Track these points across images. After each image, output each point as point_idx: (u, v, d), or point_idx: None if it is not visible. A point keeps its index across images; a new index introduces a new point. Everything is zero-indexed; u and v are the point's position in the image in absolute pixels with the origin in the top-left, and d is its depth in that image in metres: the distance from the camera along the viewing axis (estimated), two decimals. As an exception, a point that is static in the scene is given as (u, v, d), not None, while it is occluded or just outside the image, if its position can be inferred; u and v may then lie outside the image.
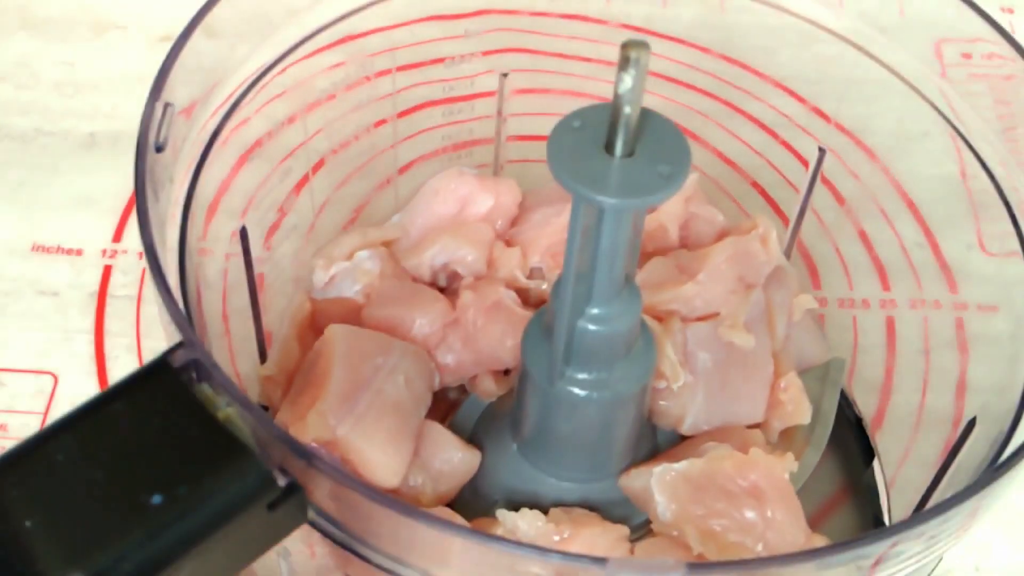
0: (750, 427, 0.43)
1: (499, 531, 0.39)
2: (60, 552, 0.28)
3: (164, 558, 0.29)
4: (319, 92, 0.46)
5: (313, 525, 0.32)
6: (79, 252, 0.56)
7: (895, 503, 0.46)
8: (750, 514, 0.38)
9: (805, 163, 0.50)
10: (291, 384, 0.43)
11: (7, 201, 0.57)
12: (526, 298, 0.45)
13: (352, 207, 0.51)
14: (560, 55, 0.51)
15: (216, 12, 0.39)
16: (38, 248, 0.56)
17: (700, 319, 0.43)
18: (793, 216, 0.51)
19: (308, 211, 0.49)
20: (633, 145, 0.33)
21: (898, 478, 0.46)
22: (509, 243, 0.47)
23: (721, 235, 0.46)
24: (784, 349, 0.45)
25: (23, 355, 0.52)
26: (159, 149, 0.36)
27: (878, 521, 0.46)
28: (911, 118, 0.45)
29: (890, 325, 0.49)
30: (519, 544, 0.33)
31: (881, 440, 0.48)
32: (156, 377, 0.31)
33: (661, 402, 0.42)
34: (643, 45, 0.31)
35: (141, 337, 0.53)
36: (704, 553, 0.38)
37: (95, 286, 0.55)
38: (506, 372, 0.45)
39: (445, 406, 0.45)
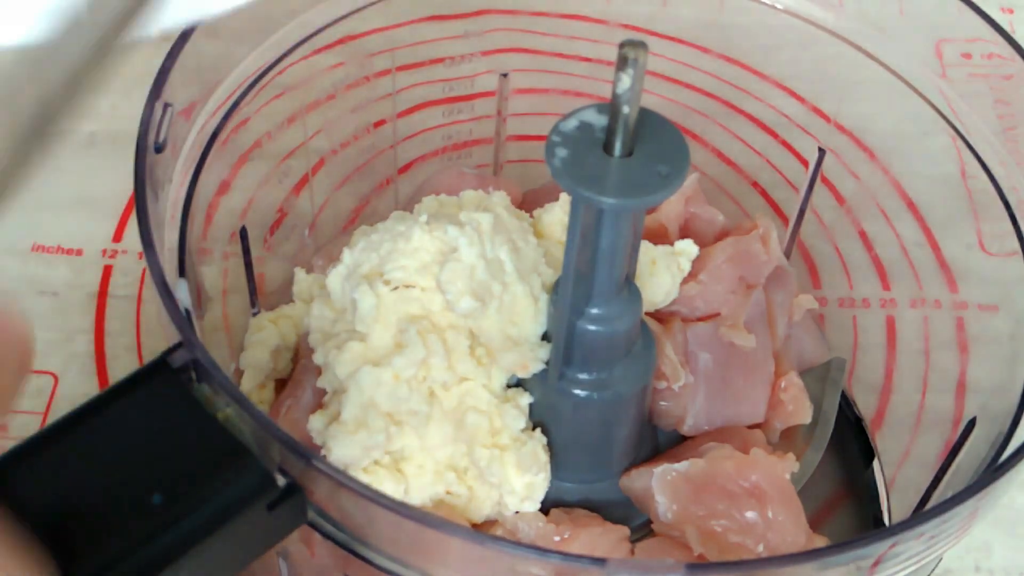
0: (751, 427, 0.43)
1: (499, 531, 0.39)
2: (60, 552, 0.28)
3: (164, 558, 0.29)
4: (319, 92, 0.46)
5: (313, 525, 0.32)
6: (79, 252, 0.56)
7: (895, 503, 0.46)
8: (751, 515, 0.38)
9: (805, 163, 0.50)
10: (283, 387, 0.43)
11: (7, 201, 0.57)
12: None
13: (352, 207, 0.51)
14: (560, 55, 0.51)
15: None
16: (38, 248, 0.56)
17: (701, 319, 0.43)
18: (793, 216, 0.51)
19: (308, 211, 0.49)
20: (632, 145, 0.33)
21: (898, 478, 0.46)
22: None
23: (721, 235, 0.46)
24: (784, 349, 0.45)
25: (23, 355, 0.52)
26: (159, 149, 0.36)
27: (878, 521, 0.46)
28: (911, 118, 0.45)
29: (890, 325, 0.49)
30: (519, 544, 0.33)
31: (881, 440, 0.48)
32: (156, 377, 0.31)
33: (662, 402, 0.42)
34: (641, 45, 0.31)
35: (141, 337, 0.53)
36: (705, 554, 0.38)
37: (95, 286, 0.55)
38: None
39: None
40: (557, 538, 0.38)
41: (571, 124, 0.34)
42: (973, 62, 0.43)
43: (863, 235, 0.49)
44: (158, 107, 0.36)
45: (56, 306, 0.54)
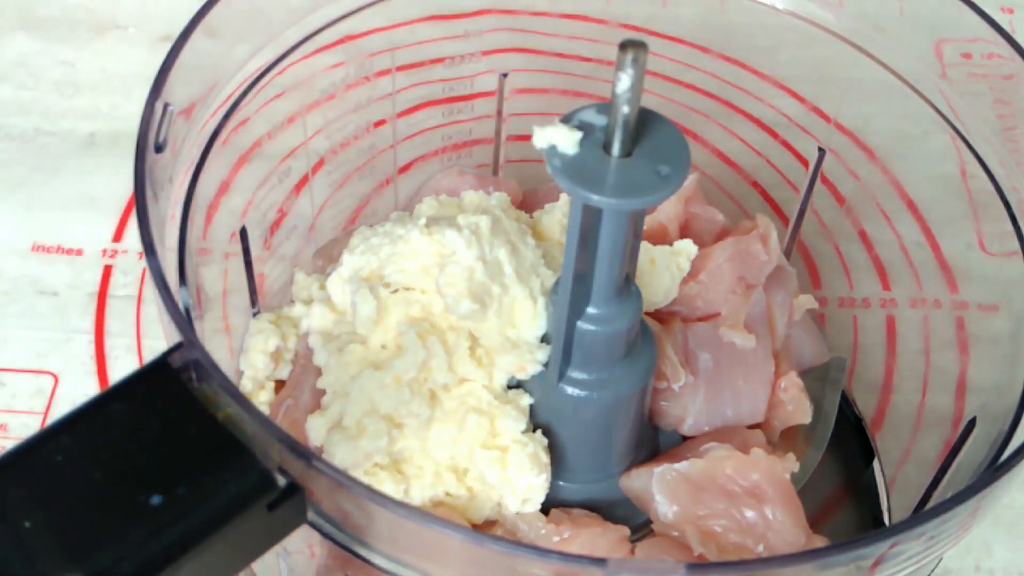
0: (751, 427, 0.43)
1: (499, 531, 0.39)
2: (60, 552, 0.28)
3: (164, 558, 0.29)
4: (319, 92, 0.46)
5: (313, 525, 0.32)
6: (79, 252, 0.56)
7: (895, 503, 0.46)
8: (751, 514, 0.38)
9: (805, 163, 0.50)
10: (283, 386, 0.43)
11: (7, 201, 0.57)
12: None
13: (352, 207, 0.51)
14: (560, 55, 0.51)
15: (216, 12, 0.39)
16: (38, 248, 0.56)
17: (701, 319, 0.43)
18: (793, 216, 0.51)
19: (308, 211, 0.49)
20: (632, 145, 0.33)
21: (898, 478, 0.46)
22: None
23: (721, 235, 0.46)
24: (784, 349, 0.45)
25: (23, 355, 0.52)
26: (159, 149, 0.36)
27: (878, 521, 0.46)
28: (911, 118, 0.45)
29: (890, 325, 0.49)
30: (519, 545, 0.33)
31: (881, 440, 0.48)
32: (156, 377, 0.31)
33: (662, 402, 0.42)
34: (641, 45, 0.31)
35: (141, 337, 0.53)
36: (704, 554, 0.38)
37: (95, 286, 0.55)
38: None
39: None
40: (557, 538, 0.38)
41: (571, 124, 0.34)
42: (973, 62, 0.43)
43: (863, 235, 0.49)
44: (158, 107, 0.36)
45: (56, 306, 0.54)
